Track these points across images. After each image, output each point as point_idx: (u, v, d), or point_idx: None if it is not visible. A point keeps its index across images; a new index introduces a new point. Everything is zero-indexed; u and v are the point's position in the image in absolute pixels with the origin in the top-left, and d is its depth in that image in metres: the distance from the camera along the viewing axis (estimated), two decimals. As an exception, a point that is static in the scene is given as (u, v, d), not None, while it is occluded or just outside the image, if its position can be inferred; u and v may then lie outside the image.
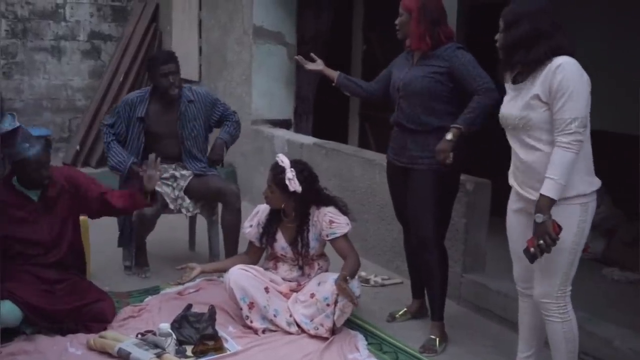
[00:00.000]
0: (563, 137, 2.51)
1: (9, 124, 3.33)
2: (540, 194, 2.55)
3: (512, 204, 2.85)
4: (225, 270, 3.60)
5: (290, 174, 3.42)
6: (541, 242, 2.53)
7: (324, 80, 6.68)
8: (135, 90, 4.45)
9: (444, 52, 3.29)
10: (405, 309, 3.77)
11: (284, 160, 3.48)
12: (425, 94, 3.32)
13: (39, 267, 3.40)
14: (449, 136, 3.16)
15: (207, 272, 3.76)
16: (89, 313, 3.42)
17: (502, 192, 4.16)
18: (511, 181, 2.83)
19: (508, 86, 2.76)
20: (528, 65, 2.61)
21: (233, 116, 4.48)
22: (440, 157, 3.16)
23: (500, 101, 3.08)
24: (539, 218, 2.53)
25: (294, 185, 3.42)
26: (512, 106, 2.69)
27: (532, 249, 2.55)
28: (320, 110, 6.79)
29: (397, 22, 3.39)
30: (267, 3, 5.99)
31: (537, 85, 2.57)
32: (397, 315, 3.74)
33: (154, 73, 4.15)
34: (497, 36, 2.72)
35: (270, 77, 6.12)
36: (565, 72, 2.50)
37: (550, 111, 2.56)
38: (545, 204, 2.53)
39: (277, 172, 3.47)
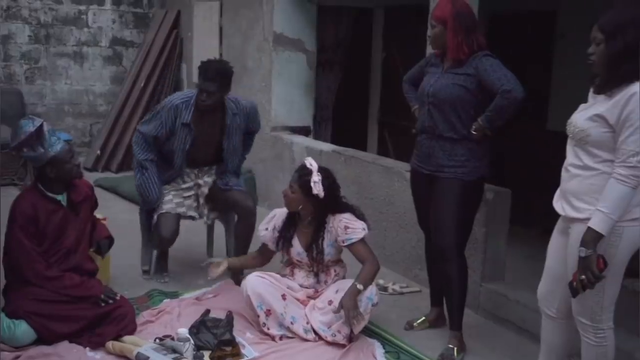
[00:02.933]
0: (622, 170, 2.40)
1: (32, 125, 3.31)
2: (588, 227, 2.43)
3: (557, 225, 2.77)
4: (248, 267, 3.73)
5: (316, 177, 3.44)
6: (583, 277, 2.42)
7: (343, 88, 6.76)
8: (179, 93, 4.25)
9: (472, 60, 3.30)
10: (424, 318, 3.75)
11: (312, 164, 3.51)
12: (455, 103, 3.32)
13: (59, 270, 3.40)
14: (472, 128, 3.29)
15: (234, 267, 3.85)
16: (109, 322, 3.37)
17: (522, 202, 4.17)
18: (555, 203, 2.71)
19: (590, 94, 2.63)
20: (619, 78, 2.45)
21: (256, 132, 4.45)
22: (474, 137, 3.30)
23: (520, 100, 3.13)
24: (583, 252, 2.42)
25: (318, 188, 3.43)
26: (580, 115, 2.58)
27: (574, 283, 2.46)
28: (339, 118, 6.81)
29: (430, 34, 3.40)
30: (287, 10, 6.02)
31: (609, 105, 2.45)
32: (415, 324, 3.73)
33: (198, 79, 4.01)
34: (593, 49, 2.52)
35: (290, 84, 6.15)
36: (639, 103, 2.36)
37: (612, 135, 2.44)
38: (591, 238, 2.42)
39: (304, 173, 3.49)
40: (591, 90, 2.62)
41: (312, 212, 3.54)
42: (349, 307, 3.29)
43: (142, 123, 4.15)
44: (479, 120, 3.29)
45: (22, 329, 3.22)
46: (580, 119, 2.55)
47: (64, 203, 3.45)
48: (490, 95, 3.24)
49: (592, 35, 2.52)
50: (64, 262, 3.41)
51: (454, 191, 3.34)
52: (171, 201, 4.13)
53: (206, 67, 3.97)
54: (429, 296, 3.81)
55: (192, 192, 4.23)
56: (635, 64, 2.41)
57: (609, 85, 2.48)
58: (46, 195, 3.41)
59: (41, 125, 3.30)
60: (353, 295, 3.33)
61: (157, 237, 4.08)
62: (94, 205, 3.68)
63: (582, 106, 2.64)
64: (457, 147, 3.33)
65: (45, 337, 3.26)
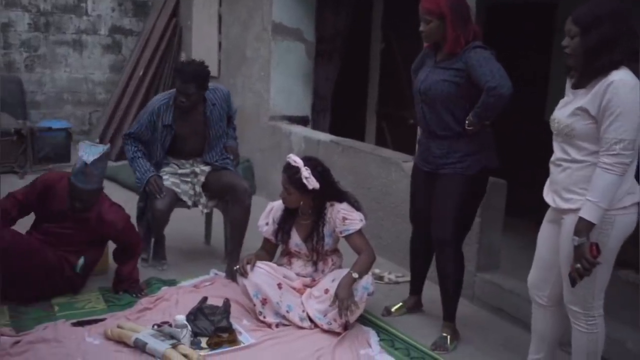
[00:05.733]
0: (606, 158, 2.43)
1: (92, 153, 3.62)
2: (579, 217, 2.47)
3: (547, 215, 2.80)
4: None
5: (306, 172, 3.44)
6: (578, 265, 2.46)
7: (341, 78, 6.77)
8: (159, 95, 4.45)
9: (463, 52, 3.21)
10: (401, 304, 3.80)
11: (296, 160, 3.48)
12: (445, 100, 3.27)
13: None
14: (466, 123, 3.24)
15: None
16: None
17: (517, 192, 4.20)
18: (546, 196, 2.74)
19: (567, 89, 2.65)
20: (595, 71, 2.46)
21: (235, 115, 4.58)
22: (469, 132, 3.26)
23: (507, 97, 3.09)
24: (576, 241, 2.46)
25: (312, 183, 3.44)
26: (563, 112, 2.60)
27: (572, 273, 2.49)
28: (337, 108, 6.82)
29: (423, 29, 3.25)
30: (286, 0, 6.02)
31: (589, 97, 2.47)
32: (392, 310, 3.78)
33: (176, 82, 4.15)
34: (567, 42, 2.54)
35: (289, 73, 6.15)
36: (617, 91, 2.39)
37: (596, 125, 2.47)
38: (583, 227, 2.46)
39: (292, 172, 3.47)
40: (568, 85, 2.65)
41: (311, 204, 3.56)
42: (343, 296, 3.33)
43: (129, 128, 4.38)
44: (470, 116, 3.22)
45: None
46: (563, 114, 2.58)
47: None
48: (479, 89, 3.17)
49: (567, 28, 2.53)
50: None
51: (455, 185, 3.32)
52: (167, 179, 4.21)
53: (183, 70, 4.10)
54: (409, 284, 3.87)
55: (188, 179, 4.29)
56: (610, 56, 2.43)
57: (586, 79, 2.51)
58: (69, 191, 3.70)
59: (103, 154, 3.65)
60: (348, 284, 3.37)
61: (151, 210, 4.12)
62: (98, 234, 3.81)
63: (562, 102, 2.66)
64: (454, 144, 3.30)
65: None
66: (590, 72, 2.49)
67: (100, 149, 3.66)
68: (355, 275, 3.38)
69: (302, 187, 3.45)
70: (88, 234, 3.73)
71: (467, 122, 3.24)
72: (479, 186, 3.44)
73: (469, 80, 3.21)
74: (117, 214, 3.79)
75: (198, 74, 4.08)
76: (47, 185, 3.74)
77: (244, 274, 3.50)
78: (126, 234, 3.84)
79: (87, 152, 3.62)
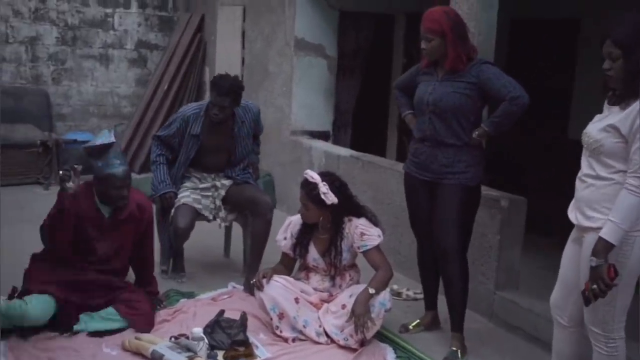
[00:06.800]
0: (633, 180, 2.39)
1: (105, 138, 3.43)
2: (599, 237, 2.44)
3: (572, 234, 2.77)
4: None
5: (323, 188, 3.45)
6: (594, 286, 2.43)
7: (363, 93, 6.78)
8: (192, 104, 4.52)
9: (471, 68, 3.34)
10: (418, 321, 3.79)
11: (313, 176, 3.49)
12: (456, 110, 3.36)
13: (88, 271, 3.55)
14: (474, 133, 3.36)
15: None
16: (123, 301, 3.52)
17: (543, 211, 4.16)
18: (570, 213, 2.70)
19: (605, 104, 2.62)
20: (634, 93, 2.43)
21: (260, 132, 4.63)
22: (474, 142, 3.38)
23: (527, 106, 3.21)
24: (593, 262, 2.43)
25: (331, 198, 3.45)
26: (595, 126, 2.58)
27: (587, 292, 2.46)
28: (359, 123, 6.83)
29: (425, 47, 3.36)
30: (309, 16, 6.07)
31: (622, 116, 2.45)
32: (410, 327, 3.76)
33: (211, 94, 4.21)
34: (609, 64, 2.49)
35: (311, 89, 6.19)
36: None
37: (625, 145, 2.44)
38: (602, 248, 2.42)
39: (310, 188, 3.48)
40: (606, 101, 2.62)
41: (330, 219, 3.57)
42: (359, 313, 3.33)
43: (159, 130, 4.41)
44: (483, 126, 3.35)
45: (35, 302, 3.29)
46: (595, 129, 2.56)
47: (107, 215, 3.58)
48: (496, 102, 3.29)
49: (607, 51, 2.49)
50: (96, 264, 3.56)
51: (458, 196, 3.39)
52: (189, 196, 4.24)
53: (219, 83, 4.14)
54: (423, 301, 3.86)
55: (209, 193, 4.32)
56: None
57: (625, 98, 2.49)
58: (94, 199, 3.55)
59: (109, 144, 3.42)
60: (365, 300, 3.37)
61: (173, 228, 4.16)
62: (143, 226, 3.72)
63: (597, 117, 2.64)
64: (460, 153, 3.39)
65: (64, 306, 3.35)
66: (631, 92, 2.45)
67: (106, 131, 3.58)
68: (372, 291, 3.38)
69: (320, 202, 3.46)
70: (126, 232, 3.63)
71: (476, 132, 3.36)
72: (476, 197, 3.54)
73: (480, 93, 3.35)
74: (142, 195, 3.77)
75: (234, 88, 4.15)
76: (71, 209, 3.38)
77: (260, 288, 3.51)
78: (151, 226, 3.81)
79: (102, 138, 3.51)
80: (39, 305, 3.31)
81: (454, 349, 3.43)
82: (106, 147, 3.42)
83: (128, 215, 3.61)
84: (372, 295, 3.38)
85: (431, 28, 3.31)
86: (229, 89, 4.12)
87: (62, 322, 3.38)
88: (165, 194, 4.20)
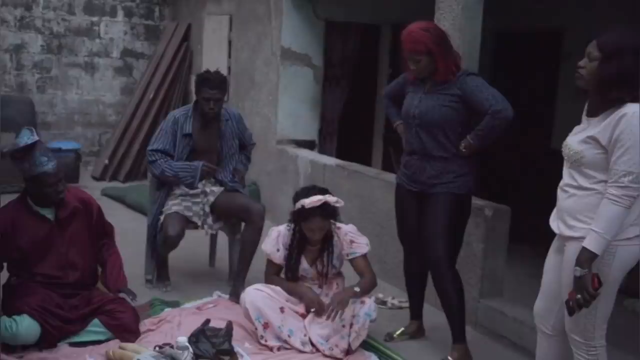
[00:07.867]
0: (614, 190, 2.41)
1: (27, 138, 3.35)
2: (583, 247, 2.46)
3: (553, 244, 2.80)
4: (288, 290, 3.63)
5: (332, 198, 3.48)
6: (579, 296, 2.44)
7: (349, 103, 6.82)
8: (175, 110, 4.58)
9: (456, 80, 3.35)
10: (403, 329, 3.80)
11: (326, 198, 3.47)
12: (442, 124, 3.37)
13: (56, 286, 3.45)
14: (461, 145, 3.36)
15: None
16: (106, 312, 3.46)
17: (527, 220, 4.20)
18: (552, 223, 2.73)
19: (583, 116, 2.64)
20: (609, 102, 2.46)
21: (251, 147, 4.68)
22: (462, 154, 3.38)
23: (511, 119, 3.20)
24: (578, 272, 2.44)
25: (340, 202, 3.50)
26: (575, 138, 2.60)
27: (571, 302, 2.48)
28: (345, 132, 6.86)
29: (415, 67, 3.35)
30: (295, 26, 6.10)
31: (601, 127, 2.47)
32: (395, 335, 3.77)
33: (199, 91, 4.25)
34: (585, 62, 2.53)
35: (297, 98, 6.21)
36: (630, 124, 2.38)
37: (606, 155, 2.46)
38: (586, 258, 2.44)
39: (329, 211, 3.48)
40: (584, 113, 2.65)
41: (328, 229, 3.59)
42: (338, 299, 3.38)
43: (151, 144, 4.33)
44: (469, 139, 3.34)
45: (26, 324, 3.24)
46: (575, 141, 2.59)
47: (52, 218, 3.47)
48: (478, 114, 3.29)
49: (588, 50, 2.53)
50: (61, 277, 3.48)
51: (446, 204, 3.40)
52: (180, 204, 4.24)
53: (209, 77, 4.26)
54: (409, 309, 3.87)
55: (199, 199, 4.30)
56: (626, 89, 2.42)
57: (600, 108, 2.52)
58: (32, 209, 3.45)
59: (34, 143, 3.34)
60: (348, 294, 3.44)
61: (163, 235, 4.14)
62: (93, 218, 3.63)
63: (576, 128, 2.67)
64: (448, 164, 3.39)
65: (49, 328, 3.28)
66: (605, 102, 2.49)
67: (26, 131, 3.46)
68: (357, 289, 3.44)
69: (334, 214, 3.53)
70: (78, 229, 3.53)
71: (462, 144, 3.35)
72: (465, 206, 3.53)
73: (465, 105, 3.34)
74: (79, 190, 3.72)
75: (222, 79, 4.32)
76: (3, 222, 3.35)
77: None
78: (101, 213, 3.71)
79: (24, 138, 3.31)
80: (30, 327, 3.25)
81: (450, 358, 3.41)
82: (30, 147, 3.29)
83: (73, 210, 3.51)
84: (356, 293, 3.43)
85: (416, 49, 3.30)
86: (219, 80, 4.26)
87: (45, 341, 3.32)
88: (201, 167, 4.24)
